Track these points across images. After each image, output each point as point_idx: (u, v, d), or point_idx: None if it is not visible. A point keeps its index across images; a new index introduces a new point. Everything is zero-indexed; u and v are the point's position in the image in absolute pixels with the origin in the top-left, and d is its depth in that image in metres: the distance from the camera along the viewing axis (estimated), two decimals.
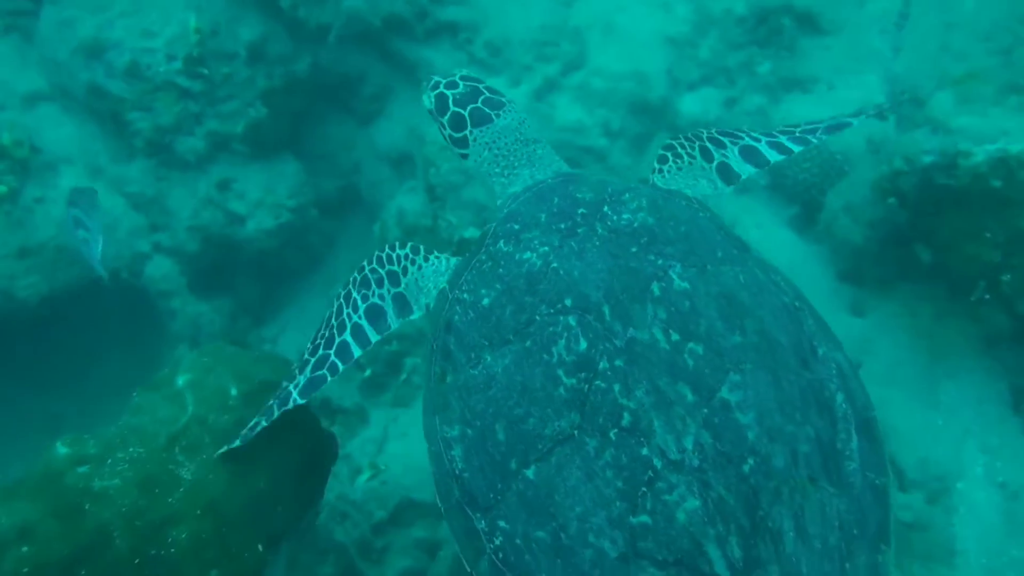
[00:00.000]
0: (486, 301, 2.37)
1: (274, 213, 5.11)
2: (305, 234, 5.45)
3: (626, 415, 2.08)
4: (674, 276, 2.26)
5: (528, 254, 2.37)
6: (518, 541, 2.14)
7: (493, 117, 2.85)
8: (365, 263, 2.78)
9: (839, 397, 2.25)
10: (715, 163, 2.88)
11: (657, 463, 2.03)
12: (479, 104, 2.87)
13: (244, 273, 5.47)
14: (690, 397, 2.08)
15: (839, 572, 2.05)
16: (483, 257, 2.47)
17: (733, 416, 2.07)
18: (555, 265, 2.32)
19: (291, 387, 2.58)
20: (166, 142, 4.91)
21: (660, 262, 2.30)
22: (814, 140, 2.96)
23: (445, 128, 2.90)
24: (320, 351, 2.68)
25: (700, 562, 1.97)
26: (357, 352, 2.66)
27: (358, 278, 2.76)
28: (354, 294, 2.76)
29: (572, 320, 2.21)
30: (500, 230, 2.51)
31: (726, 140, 2.95)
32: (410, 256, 2.76)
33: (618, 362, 2.14)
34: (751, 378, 2.13)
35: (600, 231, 2.38)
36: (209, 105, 4.93)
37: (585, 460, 2.08)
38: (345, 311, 2.74)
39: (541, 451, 2.13)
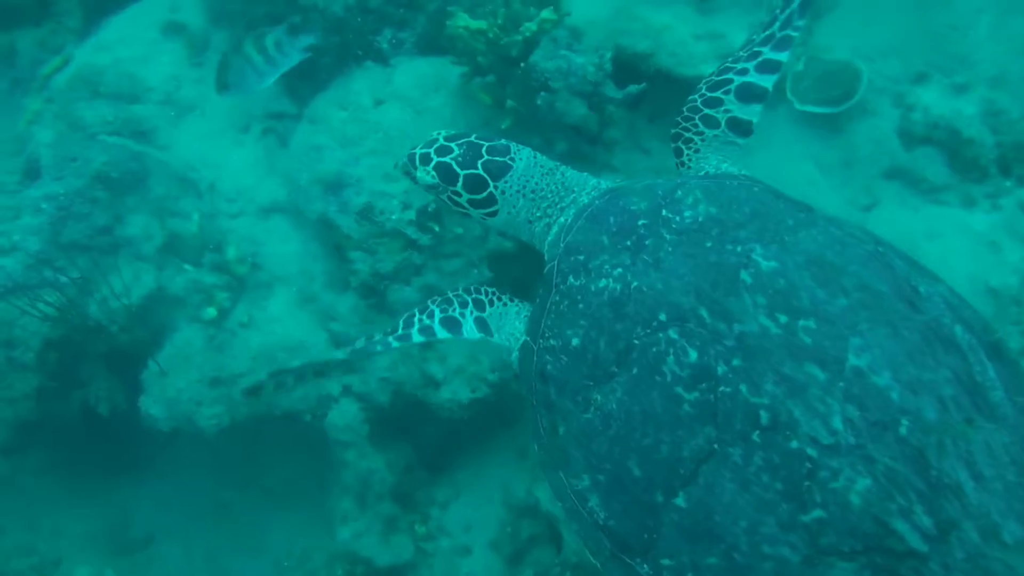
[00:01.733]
0: (575, 341, 2.28)
1: (471, 385, 4.65)
2: (501, 407, 4.96)
3: (763, 413, 1.98)
4: (758, 258, 2.17)
5: (603, 281, 2.28)
6: (689, 574, 2.04)
7: (510, 163, 2.70)
8: (450, 291, 2.80)
9: (958, 329, 2.12)
10: (723, 123, 2.77)
11: (812, 452, 1.93)
12: (486, 156, 2.70)
13: (430, 429, 5.06)
14: (821, 375, 1.98)
15: None
16: (556, 298, 2.38)
17: (870, 381, 1.97)
18: (635, 284, 2.23)
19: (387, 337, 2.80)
20: (381, 288, 4.61)
21: (739, 248, 2.20)
22: (795, 34, 2.74)
23: (461, 195, 2.71)
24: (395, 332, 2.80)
25: (891, 541, 1.86)
26: (443, 335, 2.75)
27: (439, 298, 2.79)
28: (433, 306, 2.79)
29: (673, 333, 2.12)
30: (564, 266, 2.41)
31: (719, 94, 2.80)
32: (498, 294, 2.78)
33: (735, 361, 2.04)
34: (872, 337, 2.03)
35: (668, 236, 2.29)
36: (432, 259, 4.57)
37: (735, 471, 1.98)
38: (417, 317, 2.79)
39: (685, 475, 2.04)
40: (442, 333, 2.76)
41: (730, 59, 2.86)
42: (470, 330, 2.75)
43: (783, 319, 2.07)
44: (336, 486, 4.83)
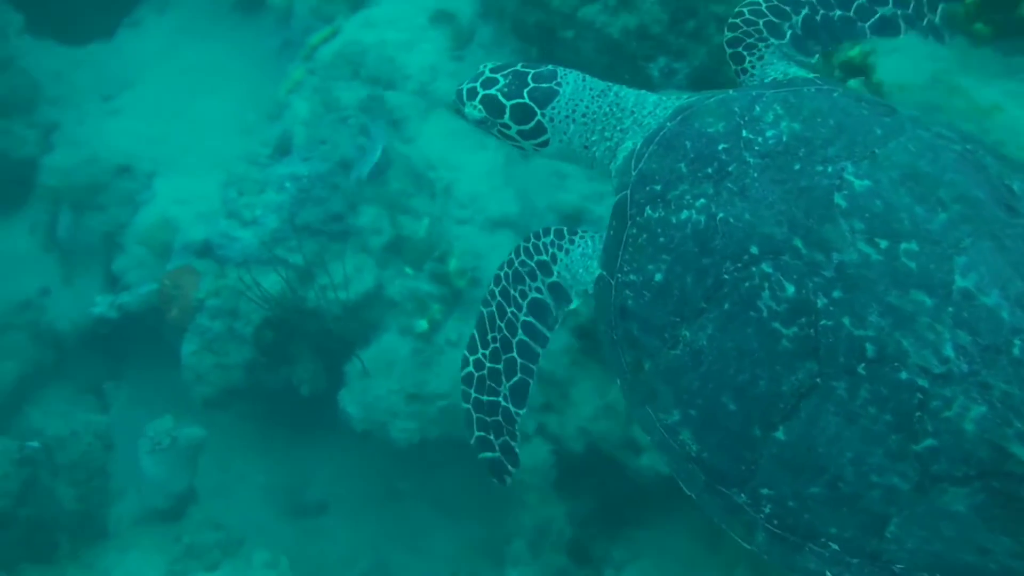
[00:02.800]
0: (658, 277, 2.19)
1: None
2: None
3: (868, 346, 1.92)
4: (851, 178, 2.06)
5: (685, 213, 2.18)
6: (791, 503, 2.02)
7: (556, 88, 2.59)
8: (513, 256, 2.60)
9: None
10: (788, 37, 2.63)
11: (923, 383, 1.87)
12: (532, 83, 2.60)
13: (619, 485, 4.72)
14: (928, 302, 1.90)
15: None
16: (633, 231, 2.27)
17: (979, 302, 1.88)
18: (721, 215, 2.12)
19: (500, 399, 2.51)
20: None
21: (830, 169, 2.09)
22: (866, 34, 2.61)
23: (510, 127, 2.62)
24: (502, 357, 2.53)
25: (1009, 464, 1.82)
26: (540, 350, 2.54)
27: (509, 273, 2.59)
28: (511, 291, 2.59)
29: (767, 267, 2.03)
30: (639, 196, 2.29)
31: (788, 7, 2.64)
32: (555, 242, 2.58)
33: (836, 293, 1.96)
34: (976, 253, 1.94)
35: (752, 160, 2.16)
36: None
37: (839, 404, 1.94)
38: (509, 310, 2.58)
39: (785, 410, 2.00)
40: (546, 331, 2.56)
41: None
42: (554, 311, 2.57)
43: (884, 244, 1.97)
44: (511, 521, 4.62)
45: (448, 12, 4.91)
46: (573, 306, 2.55)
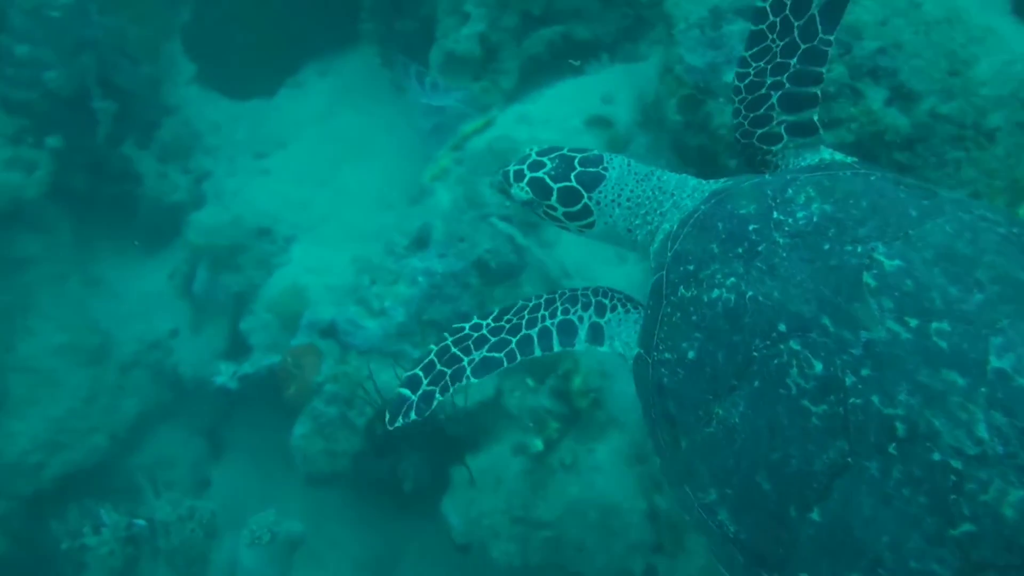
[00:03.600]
0: (691, 354, 2.22)
1: None
2: None
3: (899, 424, 1.89)
4: (881, 258, 2.04)
5: (716, 292, 2.20)
6: None
7: (603, 173, 2.63)
8: (580, 287, 2.66)
9: None
10: (784, 137, 2.59)
11: (956, 464, 1.82)
12: (579, 168, 2.64)
13: None
14: (961, 381, 1.85)
15: None
16: (668, 310, 2.32)
17: (1015, 383, 1.83)
18: (751, 293, 2.14)
19: (465, 360, 2.54)
20: None
21: (860, 249, 2.08)
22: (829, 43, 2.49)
23: (556, 209, 2.64)
24: (501, 335, 2.57)
25: None
26: (537, 353, 2.56)
27: (567, 293, 2.65)
28: (558, 303, 2.64)
29: (795, 344, 2.03)
30: (673, 276, 2.34)
31: (763, 111, 2.59)
32: (625, 299, 2.62)
33: (864, 371, 1.94)
34: (1014, 333, 1.88)
35: (781, 240, 2.18)
36: None
37: (872, 485, 1.89)
38: (540, 312, 2.62)
39: (818, 490, 1.96)
40: (558, 344, 2.60)
41: (748, 64, 2.57)
42: (581, 340, 2.61)
43: (914, 323, 1.96)
44: None
45: (605, 118, 4.75)
46: (603, 349, 2.58)
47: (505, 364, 2.58)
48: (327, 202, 5.59)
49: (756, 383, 2.08)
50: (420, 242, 4.51)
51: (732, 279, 2.20)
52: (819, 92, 2.54)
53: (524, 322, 2.65)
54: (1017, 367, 1.86)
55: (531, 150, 2.75)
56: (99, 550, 3.30)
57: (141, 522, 3.43)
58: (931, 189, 2.26)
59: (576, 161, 2.67)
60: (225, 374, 4.71)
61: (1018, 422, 1.82)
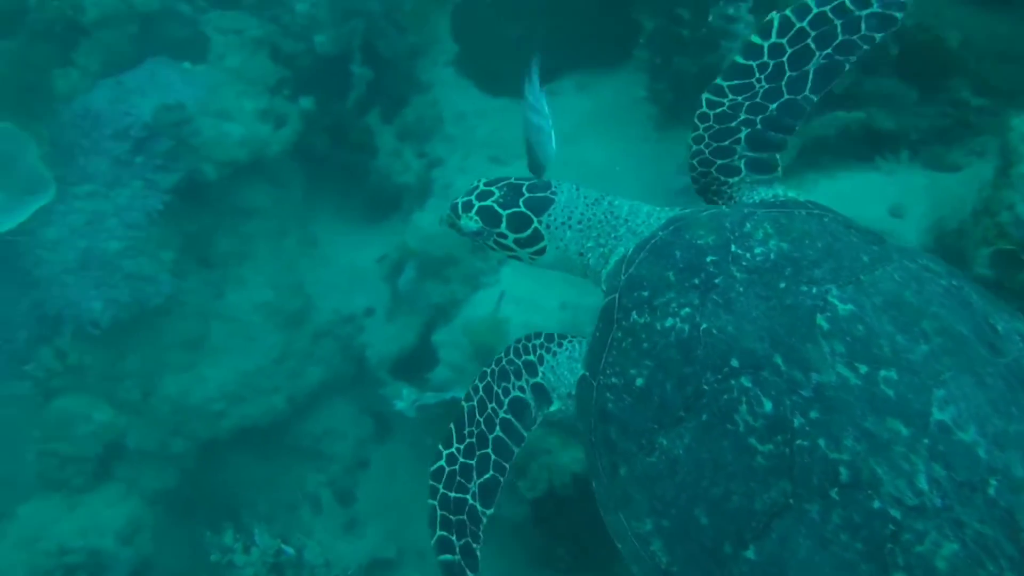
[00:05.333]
0: (640, 382, 2.21)
1: None
2: None
3: (843, 469, 1.91)
4: (835, 301, 2.09)
5: (670, 320, 2.21)
6: None
7: (551, 197, 2.61)
8: (502, 355, 2.62)
9: None
10: (743, 168, 2.62)
11: (895, 513, 1.86)
12: (527, 194, 2.63)
13: None
14: (905, 431, 1.91)
15: None
16: (618, 335, 2.30)
17: (956, 437, 1.90)
18: (705, 326, 2.15)
19: (468, 497, 2.47)
20: None
21: (815, 290, 2.13)
22: (811, 100, 2.57)
23: (507, 236, 2.63)
24: (476, 453, 2.53)
25: None
26: (515, 449, 2.53)
27: (496, 370, 2.60)
28: (495, 387, 2.59)
29: (746, 381, 2.05)
30: (626, 300, 2.33)
31: (727, 144, 2.62)
32: (545, 344, 2.60)
33: (813, 414, 1.97)
34: (955, 387, 1.96)
35: (739, 275, 2.20)
36: None
37: (812, 528, 1.92)
38: (490, 406, 2.57)
39: (756, 528, 1.97)
40: (523, 430, 2.53)
41: (725, 93, 2.61)
42: (535, 411, 2.54)
43: (863, 369, 1.99)
44: None
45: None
46: (553, 408, 2.54)
47: (502, 480, 2.53)
48: None
49: (704, 416, 2.08)
50: None
51: (687, 309, 2.20)
52: (788, 140, 2.59)
53: (484, 426, 2.56)
54: (957, 420, 1.90)
55: (478, 181, 2.74)
56: (245, 570, 3.22)
57: (290, 551, 3.33)
58: (878, 235, 2.30)
59: (524, 188, 2.66)
60: (406, 400, 4.55)
61: (956, 476, 1.85)
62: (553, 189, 2.65)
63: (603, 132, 5.54)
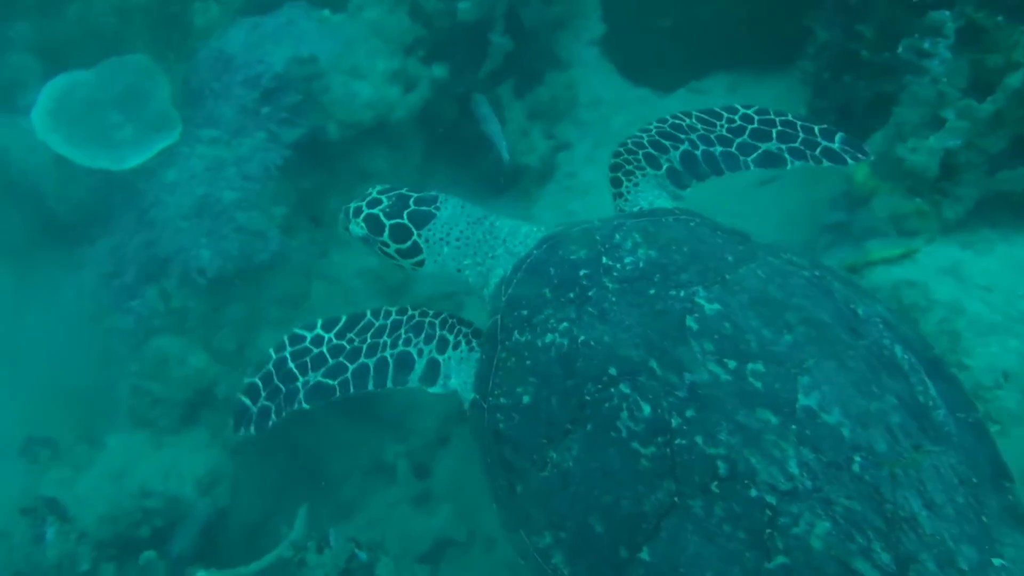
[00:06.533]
0: (526, 399, 2.27)
1: None
2: None
3: (720, 464, 1.99)
4: (702, 302, 2.19)
5: (550, 336, 2.28)
6: None
7: (434, 212, 2.74)
8: (431, 313, 2.70)
9: (898, 350, 2.17)
10: (664, 169, 2.88)
11: (771, 499, 1.94)
12: (412, 207, 2.75)
13: None
14: (774, 420, 2.00)
15: (980, 529, 1.95)
16: (503, 355, 2.37)
17: (821, 420, 2.00)
18: (583, 338, 2.22)
19: (300, 382, 2.57)
20: None
21: (683, 293, 2.22)
22: (749, 166, 2.88)
23: (389, 246, 2.77)
24: (339, 359, 2.60)
25: None
26: (370, 387, 2.59)
27: (416, 317, 2.70)
28: (402, 330, 2.66)
29: (625, 388, 2.12)
30: (509, 321, 2.40)
31: (668, 143, 2.91)
32: (469, 335, 2.67)
33: (689, 412, 2.05)
34: (819, 372, 2.06)
35: (611, 286, 2.29)
36: None
37: (697, 523, 1.99)
38: (384, 338, 2.64)
39: (648, 530, 2.04)
40: (390, 381, 2.61)
41: (692, 116, 2.97)
42: (414, 378, 2.63)
43: (732, 364, 2.08)
44: None
45: None
46: (433, 389, 2.60)
47: (337, 394, 2.56)
48: None
49: (589, 427, 2.14)
50: None
51: (565, 324, 2.27)
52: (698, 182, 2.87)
53: (365, 347, 2.61)
54: (822, 404, 2.01)
55: (373, 188, 2.87)
56: (315, 571, 3.13)
57: (363, 556, 3.21)
58: (744, 234, 2.43)
59: (412, 200, 2.77)
60: None
61: (823, 457, 1.95)
62: (438, 204, 2.77)
63: None
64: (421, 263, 2.79)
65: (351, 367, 2.62)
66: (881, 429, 2.00)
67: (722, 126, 2.95)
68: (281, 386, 2.62)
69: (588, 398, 2.16)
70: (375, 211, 2.79)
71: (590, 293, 2.29)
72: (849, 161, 2.96)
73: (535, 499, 2.22)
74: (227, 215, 4.82)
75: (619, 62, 5.90)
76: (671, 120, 2.97)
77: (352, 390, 2.61)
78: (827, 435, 1.97)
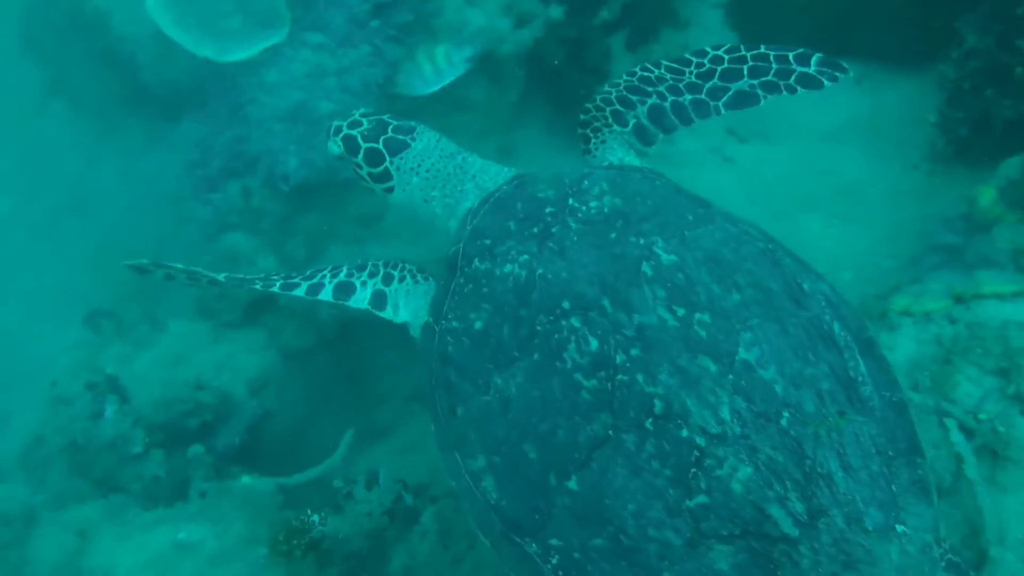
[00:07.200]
0: (478, 325, 2.34)
1: None
2: None
3: (657, 402, 2.08)
4: (659, 252, 2.28)
5: (509, 267, 2.35)
6: (576, 555, 2.12)
7: (409, 142, 2.83)
8: (380, 259, 2.84)
9: (836, 327, 2.30)
10: (631, 126, 2.95)
11: (700, 441, 2.04)
12: (390, 134, 2.84)
13: None
14: (713, 368, 2.11)
15: (889, 496, 2.08)
16: (461, 280, 2.44)
17: (757, 375, 2.11)
18: (541, 271, 2.31)
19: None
20: None
21: (642, 241, 2.31)
22: (720, 111, 2.91)
23: (362, 167, 2.87)
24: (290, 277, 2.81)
25: (766, 526, 1.99)
26: (301, 291, 2.78)
27: (359, 262, 2.84)
28: (344, 267, 2.81)
29: (576, 322, 2.20)
30: (471, 249, 2.46)
31: (635, 98, 2.96)
32: (414, 272, 2.81)
33: (634, 351, 2.14)
34: (761, 332, 2.17)
35: (574, 225, 2.37)
36: None
37: (627, 457, 2.08)
38: (323, 272, 2.81)
39: (579, 460, 2.12)
40: (326, 295, 2.75)
41: (661, 66, 2.99)
42: (360, 300, 2.76)
43: (681, 312, 2.18)
44: None
45: None
46: (381, 314, 2.73)
47: (259, 287, 2.73)
48: None
49: (536, 356, 2.21)
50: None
51: (525, 256, 2.35)
52: (676, 131, 2.92)
53: (303, 276, 2.78)
54: (760, 360, 2.13)
55: (357, 111, 2.94)
56: (361, 505, 3.13)
57: (409, 499, 3.20)
58: (705, 200, 2.51)
59: (390, 128, 2.84)
60: None
61: (755, 408, 2.06)
62: (415, 135, 2.83)
63: (870, 141, 4.82)
64: (391, 189, 2.88)
65: (281, 281, 2.82)
66: (812, 392, 2.12)
67: (691, 72, 2.94)
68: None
69: (539, 328, 2.23)
70: (354, 132, 2.86)
71: (553, 230, 2.36)
72: (826, 83, 2.97)
73: (474, 422, 2.28)
74: (320, 126, 4.73)
75: (742, 30, 5.59)
76: (640, 73, 2.99)
77: (276, 289, 2.79)
78: (761, 388, 2.09)
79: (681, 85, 2.95)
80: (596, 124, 2.98)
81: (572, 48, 5.65)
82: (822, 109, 5.07)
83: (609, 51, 5.63)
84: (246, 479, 3.82)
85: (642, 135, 2.97)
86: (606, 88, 2.99)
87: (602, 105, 2.98)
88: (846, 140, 4.84)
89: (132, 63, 5.61)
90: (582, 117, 3.01)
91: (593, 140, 2.98)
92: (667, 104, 2.95)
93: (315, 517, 3.27)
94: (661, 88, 2.95)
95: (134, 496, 3.91)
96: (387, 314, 2.76)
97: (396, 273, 2.81)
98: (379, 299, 2.77)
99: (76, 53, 6.27)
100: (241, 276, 2.86)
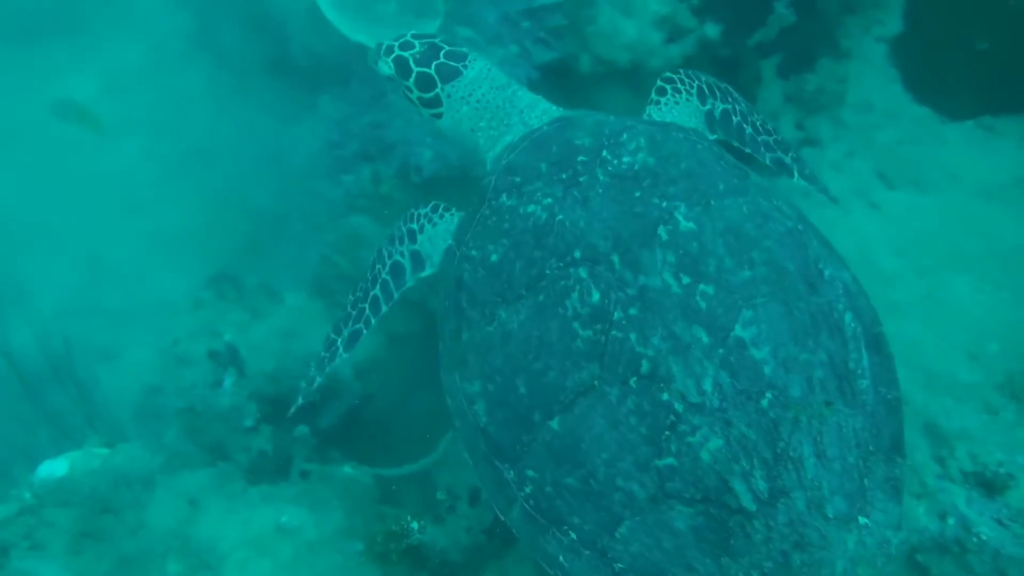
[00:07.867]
0: (494, 257, 2.45)
1: None
2: None
3: (644, 363, 2.18)
4: (680, 217, 2.34)
5: (532, 207, 2.44)
6: (548, 488, 2.27)
7: (461, 69, 2.87)
8: (401, 221, 2.93)
9: (848, 317, 2.33)
10: (706, 108, 3.00)
11: (678, 407, 2.15)
12: (443, 59, 2.87)
13: None
14: (705, 339, 2.18)
15: (859, 488, 2.16)
16: (486, 212, 2.54)
17: (748, 353, 2.18)
18: (561, 217, 2.39)
19: (338, 341, 2.96)
20: None
21: (665, 204, 2.37)
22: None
23: (412, 91, 2.91)
24: (357, 306, 2.95)
25: (727, 497, 2.09)
26: (384, 307, 2.93)
27: (389, 235, 2.95)
28: (383, 251, 2.96)
29: (583, 272, 2.30)
30: (501, 183, 2.55)
31: (719, 94, 3.08)
32: (428, 215, 2.89)
33: (632, 311, 2.23)
34: (763, 312, 2.23)
35: (602, 178, 2.44)
36: None
37: (608, 409, 2.20)
38: (377, 266, 2.95)
39: (564, 403, 2.25)
40: (395, 290, 2.88)
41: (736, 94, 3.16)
42: (410, 275, 2.87)
43: (686, 280, 2.25)
44: None
45: None
46: (426, 273, 2.82)
47: (364, 332, 2.87)
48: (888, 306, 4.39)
49: (541, 297, 2.31)
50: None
51: (549, 200, 2.41)
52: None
53: (370, 282, 2.91)
54: (755, 340, 2.20)
55: (408, 32, 2.93)
56: (460, 520, 3.15)
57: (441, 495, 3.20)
58: (746, 170, 2.57)
59: (443, 53, 2.86)
60: None
61: (738, 384, 2.17)
62: (467, 63, 2.86)
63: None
64: (439, 115, 2.92)
65: (367, 305, 2.96)
66: (802, 378, 2.19)
67: (758, 117, 3.17)
68: (324, 355, 3.11)
69: (548, 272, 2.33)
70: (406, 54, 2.89)
71: (581, 179, 2.44)
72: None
73: (476, 348, 2.40)
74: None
75: (907, 70, 5.28)
76: (724, 84, 3.15)
77: (373, 322, 2.94)
78: (748, 367, 2.16)
79: (751, 119, 3.13)
80: (679, 85, 3.03)
81: (723, 69, 5.44)
82: (985, 163, 4.75)
83: (760, 75, 5.41)
84: (347, 468, 3.85)
85: (710, 125, 3.05)
86: (695, 71, 3.13)
87: (694, 77, 3.07)
88: (1009, 200, 4.50)
89: (282, 30, 5.69)
90: (667, 74, 3.08)
91: (670, 93, 3.02)
92: (735, 120, 3.07)
93: (415, 524, 3.28)
94: (738, 107, 3.10)
95: (239, 467, 3.99)
96: (428, 271, 2.90)
97: (415, 226, 2.91)
98: (416, 262, 2.92)
99: (229, 10, 6.41)
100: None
